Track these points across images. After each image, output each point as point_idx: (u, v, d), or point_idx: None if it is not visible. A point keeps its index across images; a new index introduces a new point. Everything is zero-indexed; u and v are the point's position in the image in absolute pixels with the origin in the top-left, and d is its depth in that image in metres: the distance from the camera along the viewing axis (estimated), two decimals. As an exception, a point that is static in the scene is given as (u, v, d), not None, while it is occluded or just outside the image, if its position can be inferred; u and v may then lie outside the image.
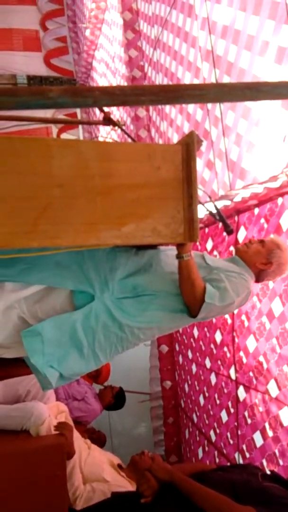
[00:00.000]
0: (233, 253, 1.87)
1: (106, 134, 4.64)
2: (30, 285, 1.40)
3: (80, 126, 6.49)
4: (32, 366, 1.45)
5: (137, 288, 1.45)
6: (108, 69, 5.00)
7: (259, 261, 1.65)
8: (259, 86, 0.69)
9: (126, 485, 2.27)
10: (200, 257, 1.59)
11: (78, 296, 1.43)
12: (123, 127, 1.61)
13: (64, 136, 6.45)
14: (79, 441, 2.40)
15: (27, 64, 6.49)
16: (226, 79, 2.37)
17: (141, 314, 1.44)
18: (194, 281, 1.39)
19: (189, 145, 1.18)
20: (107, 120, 1.50)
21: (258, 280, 1.70)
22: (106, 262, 1.43)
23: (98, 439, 3.07)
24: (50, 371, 1.35)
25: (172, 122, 3.25)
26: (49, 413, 2.29)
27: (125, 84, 4.02)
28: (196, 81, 2.77)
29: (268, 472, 1.75)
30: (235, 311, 2.61)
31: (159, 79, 3.48)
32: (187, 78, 2.89)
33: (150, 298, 1.45)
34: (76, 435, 2.38)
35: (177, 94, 0.65)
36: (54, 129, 6.27)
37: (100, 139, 5.24)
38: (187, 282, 1.39)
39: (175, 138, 3.24)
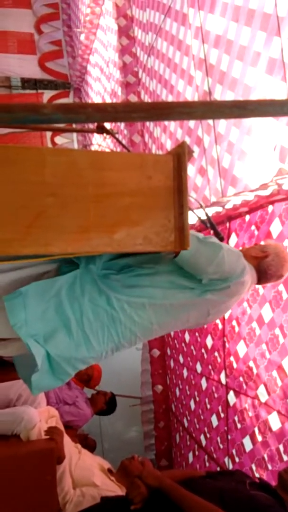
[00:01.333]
0: None
1: (100, 138, 4.67)
2: (16, 268, 1.30)
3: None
4: (22, 372, 1.43)
5: (126, 267, 1.39)
6: (102, 73, 5.03)
7: (254, 252, 1.58)
8: (246, 105, 0.71)
9: (116, 490, 2.28)
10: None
11: (63, 269, 1.35)
12: (116, 135, 1.63)
13: (58, 139, 6.46)
14: (69, 446, 2.40)
15: (22, 66, 6.51)
16: (218, 88, 2.40)
17: (129, 289, 1.35)
18: None
19: (180, 156, 1.21)
20: (100, 128, 1.53)
21: (261, 275, 1.57)
22: None
23: (87, 445, 3.08)
24: (35, 344, 1.24)
25: (166, 129, 3.29)
26: (39, 417, 2.29)
27: (119, 89, 4.05)
28: (189, 89, 2.81)
29: (257, 479, 1.78)
30: (226, 316, 2.64)
31: (153, 86, 3.51)
32: (181, 86, 2.93)
33: (139, 274, 1.37)
34: (67, 439, 2.39)
35: (167, 111, 0.67)
36: (48, 132, 6.28)
37: (94, 144, 5.26)
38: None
39: (168, 144, 3.27)
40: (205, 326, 3.00)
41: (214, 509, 1.41)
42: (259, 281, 1.60)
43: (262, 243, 1.93)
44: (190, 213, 1.28)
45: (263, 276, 1.58)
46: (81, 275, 1.34)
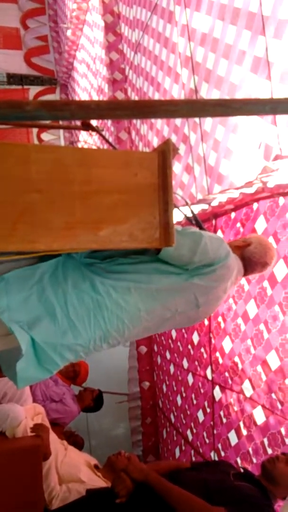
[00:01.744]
0: None
1: (87, 134, 4.65)
2: None
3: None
4: (5, 367, 1.41)
5: (109, 257, 1.37)
6: (89, 70, 5.01)
7: (237, 243, 1.59)
8: (229, 103, 0.73)
9: (102, 485, 2.29)
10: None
11: (44, 257, 1.29)
12: (102, 132, 1.63)
13: (44, 135, 6.41)
14: (55, 443, 2.41)
15: (7, 62, 6.43)
16: (204, 86, 2.42)
17: (113, 275, 1.32)
18: None
19: (165, 153, 1.22)
20: (86, 126, 1.53)
21: (247, 264, 1.57)
22: None
23: (75, 442, 3.08)
24: (19, 330, 1.19)
25: (152, 126, 3.29)
26: (25, 415, 2.29)
27: (106, 86, 4.04)
28: (175, 87, 2.82)
29: (241, 470, 1.81)
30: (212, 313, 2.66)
31: (140, 83, 3.51)
32: (167, 83, 2.93)
33: (122, 263, 1.35)
34: (53, 436, 2.39)
35: (151, 109, 0.68)
36: (34, 129, 6.22)
37: (81, 140, 5.24)
38: None
39: (155, 141, 3.28)
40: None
41: (198, 502, 1.44)
42: (246, 271, 1.60)
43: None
44: (176, 210, 1.29)
45: (248, 265, 1.58)
46: (63, 261, 1.31)
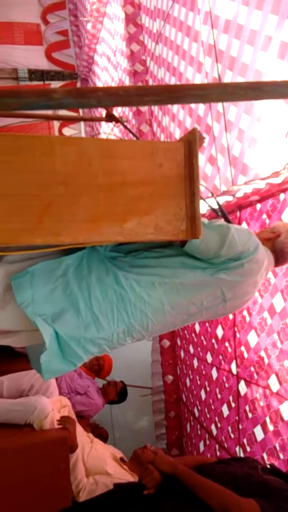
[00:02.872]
0: None
1: (108, 128, 4.64)
2: (27, 258, 1.27)
3: (81, 121, 6.47)
4: (34, 362, 1.42)
5: (133, 250, 1.35)
6: (109, 63, 4.98)
7: (266, 235, 1.55)
8: (261, 86, 0.69)
9: (128, 478, 2.30)
10: None
11: (69, 250, 1.29)
12: (125, 123, 1.61)
13: (66, 130, 6.43)
14: (82, 435, 2.43)
15: (28, 57, 6.47)
16: (228, 74, 2.36)
17: (137, 269, 1.31)
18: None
19: (191, 143, 1.19)
20: (110, 117, 1.51)
21: (278, 255, 1.53)
22: None
23: (99, 435, 3.10)
24: (42, 323, 1.20)
25: (174, 117, 3.25)
26: (52, 407, 2.31)
27: (127, 78, 4.01)
28: (198, 76, 2.76)
29: (268, 466, 1.78)
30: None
31: (161, 74, 3.47)
32: (189, 73, 2.88)
33: (147, 257, 1.34)
34: (79, 429, 2.41)
35: (181, 94, 0.66)
36: (56, 123, 6.26)
37: (102, 134, 5.23)
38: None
39: (177, 133, 3.23)
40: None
41: (228, 493, 1.42)
42: (277, 263, 1.55)
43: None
44: (202, 202, 1.26)
45: (280, 256, 1.54)
46: (88, 254, 1.31)
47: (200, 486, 1.48)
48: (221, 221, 1.40)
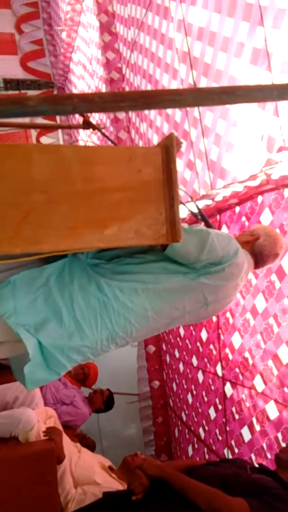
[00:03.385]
0: None
1: (86, 136, 4.64)
2: (7, 269, 1.27)
3: (59, 129, 6.46)
4: (17, 373, 1.41)
5: (115, 257, 1.36)
6: (85, 71, 4.99)
7: (245, 238, 1.57)
8: (235, 90, 0.71)
9: (118, 487, 2.28)
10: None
11: (50, 259, 1.30)
12: (103, 130, 1.62)
13: (44, 139, 6.40)
14: (69, 445, 2.39)
15: (4, 67, 6.43)
16: (203, 81, 2.40)
17: (120, 276, 1.32)
18: None
19: (169, 147, 1.20)
20: (87, 124, 1.51)
21: (258, 258, 1.56)
22: None
23: (86, 445, 3.07)
24: (25, 334, 1.19)
25: (152, 123, 3.28)
26: (37, 418, 2.28)
27: (104, 86, 4.03)
28: (174, 83, 2.80)
29: (256, 465, 1.79)
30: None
31: (137, 81, 3.49)
32: (165, 80, 2.91)
33: (129, 263, 1.34)
34: (66, 439, 2.38)
35: (156, 99, 0.66)
36: (33, 132, 6.22)
37: (80, 142, 5.23)
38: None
39: (155, 139, 3.26)
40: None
41: (217, 493, 1.42)
42: (257, 265, 1.58)
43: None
44: (181, 206, 1.28)
45: (259, 258, 1.57)
46: (69, 263, 1.31)
47: (189, 487, 1.48)
48: (201, 226, 1.41)
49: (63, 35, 5.13)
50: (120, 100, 0.65)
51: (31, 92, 6.52)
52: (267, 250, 1.56)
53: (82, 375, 3.46)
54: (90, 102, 0.63)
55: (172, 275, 1.36)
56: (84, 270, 1.31)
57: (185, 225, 1.35)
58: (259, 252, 1.56)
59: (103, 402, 3.42)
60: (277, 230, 2.07)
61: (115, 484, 2.28)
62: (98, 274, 1.31)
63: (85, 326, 1.26)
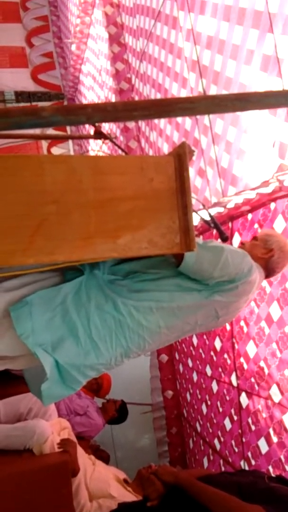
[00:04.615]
0: None
1: (96, 146, 4.67)
2: (24, 285, 1.29)
3: (70, 139, 6.52)
4: (32, 385, 1.41)
5: (131, 272, 1.38)
6: (95, 82, 5.04)
7: (259, 252, 1.57)
8: (248, 97, 0.70)
9: (133, 500, 2.24)
10: None
11: (67, 273, 1.33)
12: (114, 140, 1.62)
13: (54, 150, 6.47)
14: (83, 457, 2.37)
15: (15, 80, 6.54)
16: (213, 88, 2.40)
17: (135, 294, 1.34)
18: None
19: (181, 156, 1.19)
20: (98, 134, 1.51)
21: (269, 272, 1.60)
22: None
23: (101, 457, 3.04)
24: (43, 354, 1.22)
25: (162, 132, 3.28)
26: (51, 430, 2.26)
27: (113, 96, 4.06)
28: (183, 91, 2.80)
29: (274, 476, 1.75)
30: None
31: (147, 91, 3.51)
32: (175, 89, 2.92)
33: (144, 279, 1.36)
34: (80, 451, 2.35)
35: (169, 108, 0.66)
36: (44, 143, 6.29)
37: (91, 152, 5.27)
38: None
39: (165, 148, 3.26)
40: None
41: (234, 500, 1.38)
42: (267, 277, 1.61)
43: (260, 230, 1.89)
44: (194, 214, 1.26)
45: (271, 272, 1.60)
46: (86, 281, 1.32)
47: (204, 493, 1.44)
48: (216, 242, 1.42)
49: (73, 47, 5.20)
50: (132, 109, 0.64)
51: (42, 104, 6.61)
52: (280, 266, 1.60)
53: (96, 385, 3.44)
54: (103, 112, 0.63)
55: (186, 293, 1.38)
56: (100, 289, 1.33)
57: (199, 241, 1.35)
58: (272, 269, 1.59)
59: (116, 410, 3.39)
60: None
61: (130, 497, 2.25)
62: (115, 293, 1.33)
63: (100, 345, 1.29)
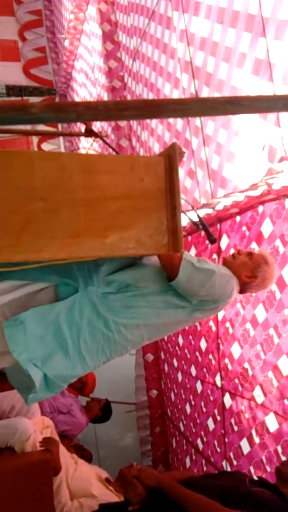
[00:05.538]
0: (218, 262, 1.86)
1: (87, 144, 4.65)
2: (13, 289, 1.36)
3: (61, 136, 6.47)
4: (15, 381, 1.43)
5: (123, 284, 1.43)
6: (87, 79, 5.02)
7: (244, 273, 1.62)
8: (240, 100, 0.70)
9: (115, 500, 2.24)
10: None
11: (61, 289, 1.39)
12: (105, 138, 1.61)
13: (45, 146, 6.42)
14: (65, 456, 2.36)
15: (6, 74, 6.46)
16: (205, 90, 2.40)
17: (126, 310, 1.41)
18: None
19: (172, 157, 1.19)
20: (89, 132, 1.50)
21: (241, 291, 1.69)
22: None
23: (83, 456, 3.02)
24: (33, 369, 1.28)
25: (153, 132, 3.28)
26: (34, 428, 2.24)
27: (105, 94, 4.04)
28: (175, 92, 2.80)
29: (256, 478, 1.76)
30: (220, 315, 2.63)
31: (139, 90, 3.51)
32: (167, 89, 2.92)
33: (135, 295, 1.44)
34: (62, 450, 2.34)
35: (160, 109, 0.66)
36: (34, 139, 6.23)
37: (82, 149, 5.24)
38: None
39: (156, 148, 3.26)
40: (199, 328, 2.99)
41: (214, 505, 1.39)
42: (240, 292, 1.69)
43: (260, 250, 1.92)
44: (183, 215, 1.27)
45: (242, 291, 1.69)
46: (80, 298, 1.38)
47: (186, 498, 1.45)
48: (209, 262, 1.50)
49: (66, 43, 5.16)
50: (124, 108, 0.64)
51: (33, 99, 6.54)
52: (252, 291, 1.72)
53: (80, 384, 3.42)
54: (94, 110, 0.63)
55: (172, 310, 1.47)
56: (94, 306, 1.39)
57: (194, 260, 1.42)
58: (245, 290, 1.67)
59: (100, 409, 3.38)
60: (278, 240, 2.06)
61: (112, 497, 2.24)
62: (107, 311, 1.39)
63: (87, 358, 1.37)
